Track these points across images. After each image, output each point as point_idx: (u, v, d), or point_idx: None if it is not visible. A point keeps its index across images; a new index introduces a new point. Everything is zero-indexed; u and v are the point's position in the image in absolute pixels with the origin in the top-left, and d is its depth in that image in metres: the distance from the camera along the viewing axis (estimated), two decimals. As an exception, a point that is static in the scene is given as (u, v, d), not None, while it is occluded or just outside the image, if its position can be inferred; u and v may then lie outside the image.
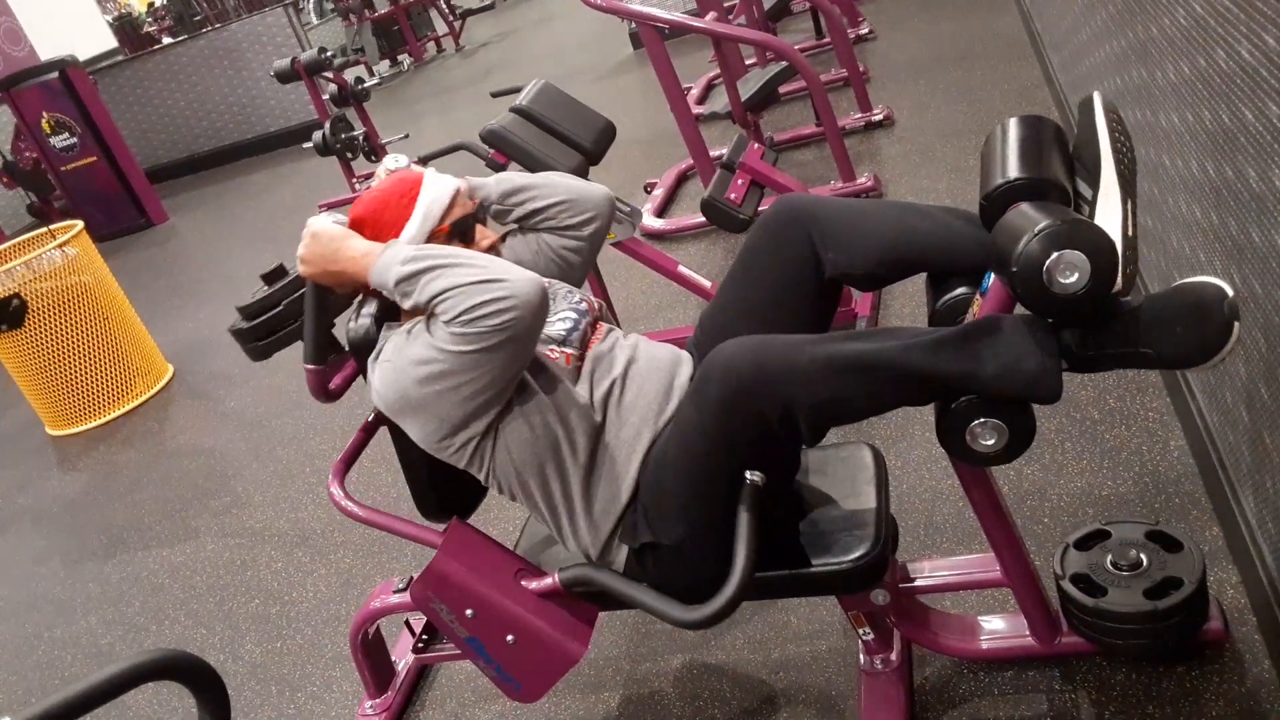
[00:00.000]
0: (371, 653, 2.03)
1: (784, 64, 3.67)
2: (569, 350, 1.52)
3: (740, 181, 2.73)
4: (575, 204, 1.67)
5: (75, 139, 7.11)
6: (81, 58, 7.46)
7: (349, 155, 5.98)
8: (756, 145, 2.83)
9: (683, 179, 4.44)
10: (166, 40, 9.04)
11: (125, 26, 9.92)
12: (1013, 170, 1.29)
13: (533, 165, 2.66)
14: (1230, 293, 1.18)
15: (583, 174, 2.75)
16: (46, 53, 7.80)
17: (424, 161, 5.29)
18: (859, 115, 4.27)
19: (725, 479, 1.36)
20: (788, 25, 6.19)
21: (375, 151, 6.13)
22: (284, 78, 5.98)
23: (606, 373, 1.52)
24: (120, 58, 8.94)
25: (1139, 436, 2.09)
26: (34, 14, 8.25)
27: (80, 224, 4.24)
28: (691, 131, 3.60)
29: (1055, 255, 1.16)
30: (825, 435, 1.34)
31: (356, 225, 1.53)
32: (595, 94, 6.30)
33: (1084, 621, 1.53)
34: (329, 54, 6.00)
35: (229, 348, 4.52)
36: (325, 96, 6.10)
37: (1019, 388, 1.26)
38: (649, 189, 4.40)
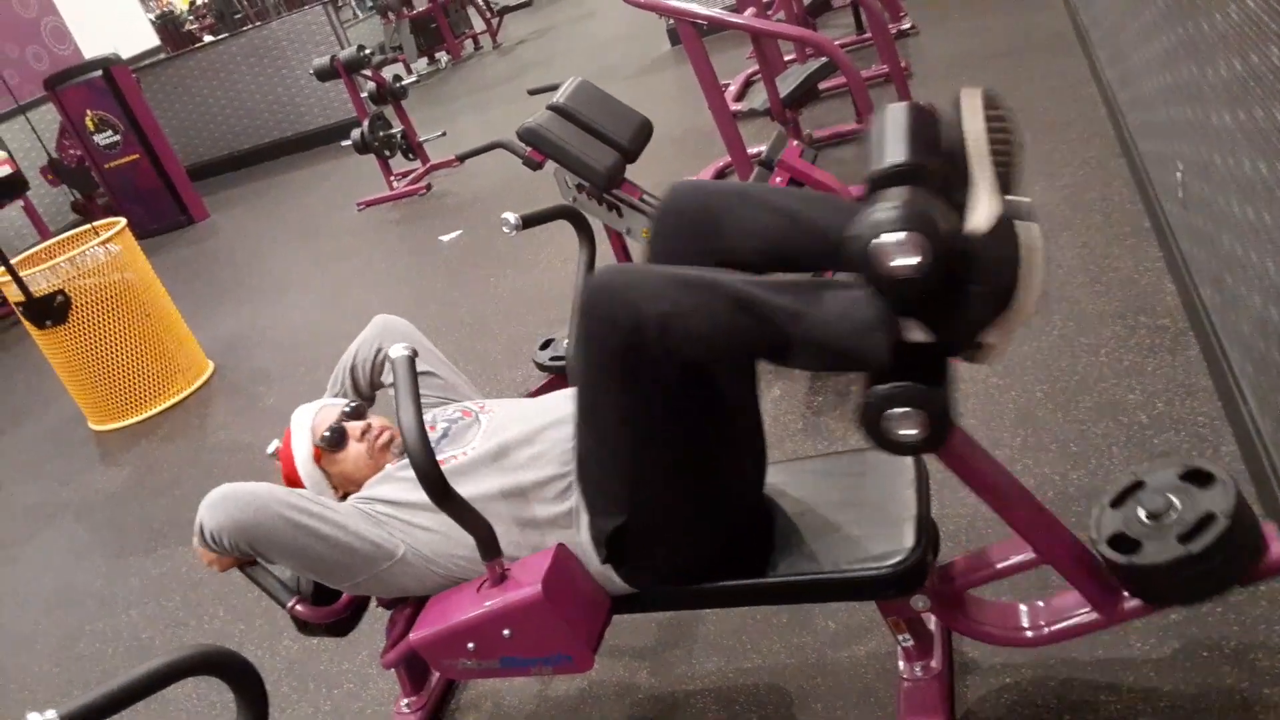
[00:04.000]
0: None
1: (824, 60, 3.63)
2: (456, 452, 1.67)
3: (779, 180, 2.70)
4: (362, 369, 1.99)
5: (118, 137, 7.20)
6: (124, 56, 7.56)
7: (387, 153, 6.01)
8: (795, 143, 2.79)
9: (720, 177, 4.41)
10: (208, 38, 9.15)
11: (167, 25, 10.05)
12: (891, 156, 1.23)
13: (569, 163, 2.64)
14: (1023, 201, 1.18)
15: (619, 172, 2.73)
16: (91, 51, 7.92)
17: (462, 159, 5.31)
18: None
19: (637, 415, 1.40)
20: (828, 20, 6.13)
21: (413, 149, 6.15)
22: (323, 75, 6.02)
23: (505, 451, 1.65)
24: (162, 56, 9.05)
25: (1189, 441, 2.03)
26: (79, 13, 8.38)
27: (123, 221, 4.28)
28: (729, 129, 3.57)
29: (892, 235, 1.14)
30: (677, 353, 1.32)
31: (290, 483, 1.84)
32: (632, 91, 6.27)
33: (1129, 582, 1.44)
34: (368, 52, 6.02)
35: (268, 345, 4.57)
36: (364, 94, 6.13)
37: (844, 334, 1.24)
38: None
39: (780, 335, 1.27)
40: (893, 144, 1.24)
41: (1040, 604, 1.59)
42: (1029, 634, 1.57)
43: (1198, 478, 1.46)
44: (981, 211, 1.21)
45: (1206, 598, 1.44)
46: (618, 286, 1.31)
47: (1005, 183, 1.24)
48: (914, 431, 1.24)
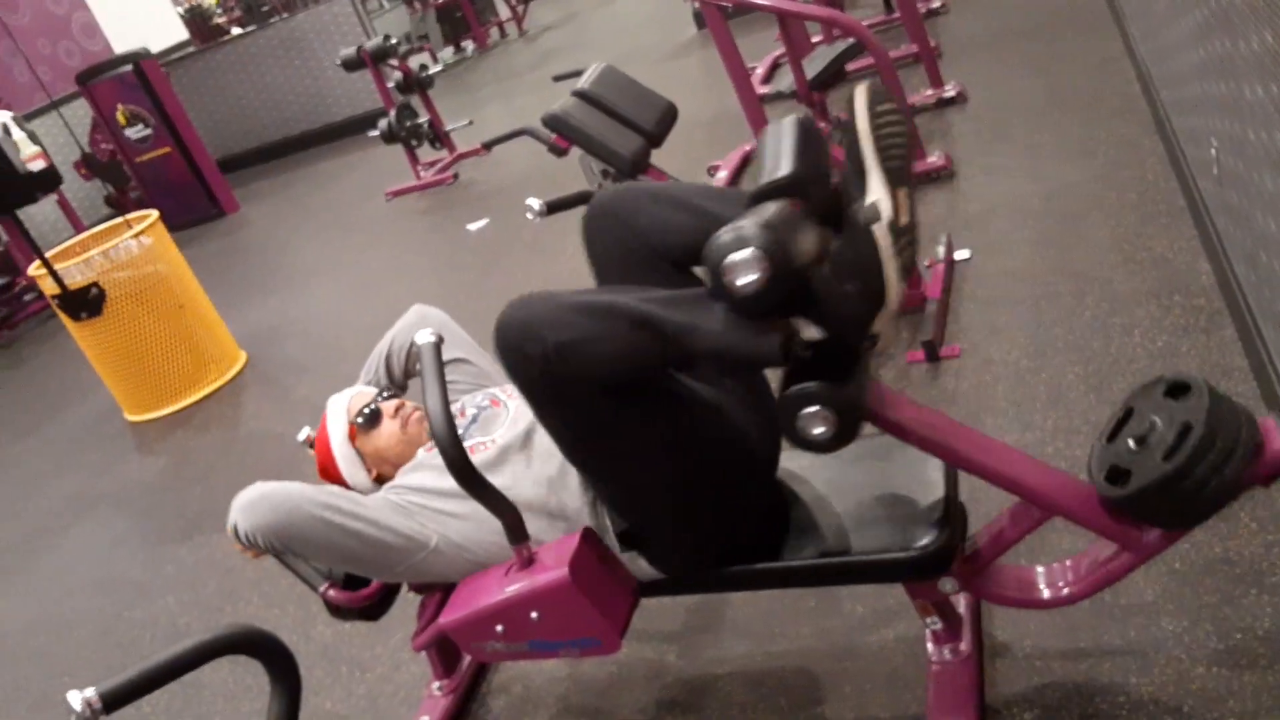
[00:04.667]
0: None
1: (851, 41, 3.59)
2: (485, 439, 1.71)
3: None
4: (393, 362, 2.01)
5: (149, 130, 7.27)
6: (154, 50, 7.62)
7: (414, 143, 6.02)
8: (823, 125, 2.77)
9: (747, 161, 4.38)
10: (235, 31, 9.19)
11: (196, 18, 10.10)
12: (771, 171, 1.30)
13: (593, 148, 2.64)
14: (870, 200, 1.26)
15: (644, 157, 2.72)
16: (120, 46, 7.99)
17: (488, 147, 5.33)
18: (930, 92, 4.17)
19: (588, 434, 1.43)
20: (856, 1, 6.07)
21: (440, 139, 6.16)
22: (350, 66, 6.03)
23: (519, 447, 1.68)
24: (191, 49, 9.12)
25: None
26: (108, 8, 8.45)
27: (155, 213, 4.33)
28: (755, 112, 3.54)
29: (737, 255, 1.19)
30: (588, 377, 1.36)
31: (324, 475, 1.92)
32: (658, 76, 6.24)
33: (1135, 515, 1.37)
34: (394, 42, 6.04)
35: (299, 335, 4.61)
36: (390, 84, 6.15)
37: (735, 343, 1.28)
38: (712, 171, 4.35)
39: (679, 349, 1.32)
40: (775, 158, 1.30)
41: (1069, 561, 1.54)
42: (1066, 590, 1.51)
43: (1178, 390, 1.37)
44: (882, 204, 1.30)
45: (1215, 508, 1.32)
46: (521, 319, 1.35)
47: (897, 176, 1.31)
48: (823, 429, 1.28)
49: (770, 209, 1.24)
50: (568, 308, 1.35)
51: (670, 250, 1.54)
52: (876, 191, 1.31)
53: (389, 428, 1.87)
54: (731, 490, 1.52)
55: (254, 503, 1.65)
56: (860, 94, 1.36)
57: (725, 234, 1.21)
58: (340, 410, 1.90)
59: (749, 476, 1.56)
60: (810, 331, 1.31)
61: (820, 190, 1.31)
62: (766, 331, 1.26)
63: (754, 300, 1.21)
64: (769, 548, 1.56)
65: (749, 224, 1.21)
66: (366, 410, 1.88)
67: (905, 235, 1.30)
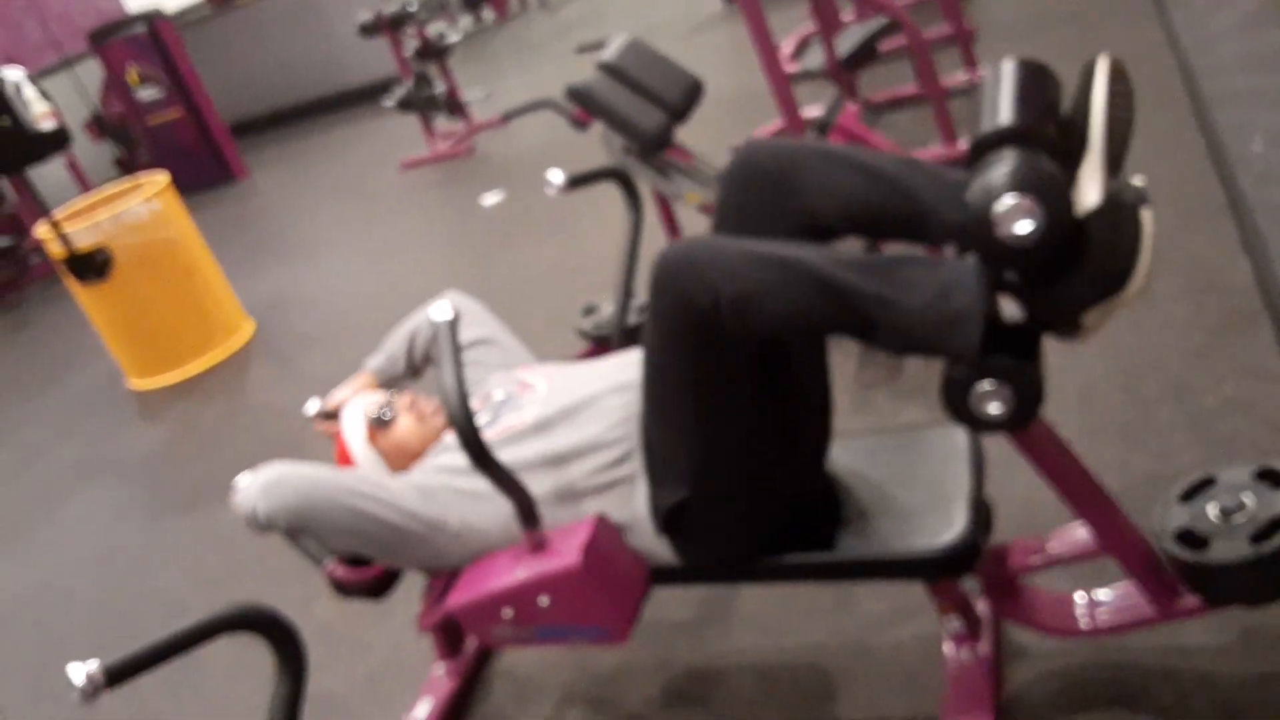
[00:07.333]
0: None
1: (885, 20, 3.50)
2: (513, 420, 1.66)
3: (838, 141, 2.60)
4: (415, 348, 1.98)
5: (161, 93, 7.19)
6: (168, 11, 7.54)
7: (430, 113, 5.94)
8: (853, 105, 2.69)
9: (770, 141, 4.30)
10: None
11: (212, -21, 9.99)
12: (1004, 117, 1.18)
13: (616, 123, 2.57)
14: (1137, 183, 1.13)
15: (667, 133, 2.64)
16: (134, 6, 7.91)
17: (507, 118, 5.26)
18: (964, 76, 4.08)
19: (708, 393, 1.35)
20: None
21: (456, 108, 6.07)
22: (367, 31, 5.95)
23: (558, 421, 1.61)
24: (206, 12, 9.03)
25: (1257, 428, 1.93)
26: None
27: (166, 176, 4.26)
28: (783, 90, 3.45)
29: (1009, 199, 1.07)
30: (755, 335, 1.29)
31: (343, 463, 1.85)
32: (681, 51, 6.13)
33: (1192, 579, 1.39)
34: (413, 8, 5.95)
35: (308, 306, 4.55)
36: (407, 53, 6.06)
37: (932, 325, 1.18)
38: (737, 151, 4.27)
39: (864, 322, 1.22)
40: (1005, 104, 1.18)
41: (1094, 595, 1.55)
42: (1081, 625, 1.53)
43: (1273, 478, 1.41)
44: (1092, 187, 1.16)
45: (1271, 600, 1.38)
46: (694, 261, 1.27)
47: (1115, 161, 1.19)
48: (1001, 409, 1.20)
49: (1019, 155, 1.12)
50: (749, 257, 1.25)
51: (832, 214, 1.41)
52: (1095, 169, 1.19)
53: (405, 423, 1.84)
54: (801, 482, 1.49)
55: (276, 485, 1.61)
56: (1102, 65, 1.25)
57: (990, 177, 1.09)
58: (354, 416, 1.87)
59: (817, 467, 1.53)
60: (1011, 313, 1.21)
61: (1046, 147, 1.17)
62: (970, 320, 1.17)
63: (1033, 251, 1.10)
64: (803, 541, 1.53)
65: (1011, 171, 1.09)
66: (382, 411, 1.85)
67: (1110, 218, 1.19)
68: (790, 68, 4.44)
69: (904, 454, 1.61)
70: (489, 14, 10.37)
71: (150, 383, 4.25)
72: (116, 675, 1.18)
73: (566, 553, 1.49)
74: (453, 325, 1.43)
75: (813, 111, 3.66)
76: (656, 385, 1.43)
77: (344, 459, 1.88)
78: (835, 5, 4.02)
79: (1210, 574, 1.35)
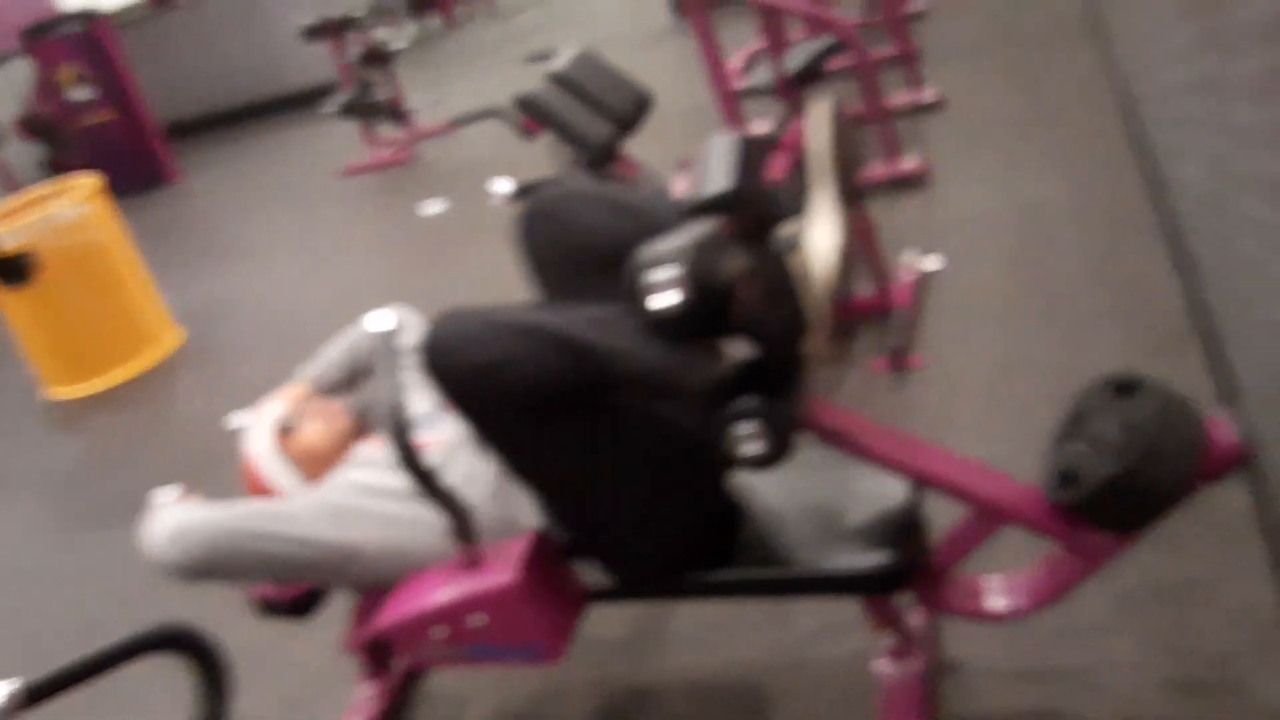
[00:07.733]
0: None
1: (833, 39, 3.52)
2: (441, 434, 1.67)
3: (781, 160, 2.58)
4: (357, 360, 1.97)
5: (94, 94, 7.01)
6: (107, 10, 7.37)
7: (372, 120, 5.86)
8: (800, 122, 2.68)
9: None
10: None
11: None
12: (710, 186, 1.26)
13: (564, 133, 2.54)
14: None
15: (614, 144, 2.62)
16: (71, 4, 7.71)
17: (455, 126, 5.18)
18: (909, 95, 4.12)
19: (518, 452, 1.41)
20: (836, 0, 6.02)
21: (399, 115, 6.00)
22: (311, 35, 5.86)
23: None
24: (146, 12, 8.84)
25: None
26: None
27: (96, 178, 4.14)
28: (731, 105, 3.46)
29: (657, 273, 1.15)
30: (514, 399, 1.34)
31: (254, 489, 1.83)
32: (631, 64, 6.13)
33: (1085, 519, 1.32)
34: (358, 14, 5.88)
35: (241, 315, 4.44)
36: (351, 59, 5.97)
37: (670, 368, 1.29)
38: (683, 164, 4.26)
39: (607, 373, 1.30)
40: (711, 173, 1.27)
41: (1025, 571, 1.49)
42: (1024, 601, 1.46)
43: (1127, 390, 1.32)
44: (820, 225, 1.28)
45: (1162, 511, 1.29)
46: (448, 337, 1.33)
47: (848, 196, 1.31)
48: (756, 446, 1.25)
49: (696, 227, 1.20)
50: (495, 326, 1.32)
51: (603, 249, 1.50)
52: (826, 210, 1.29)
53: (312, 426, 1.84)
54: (676, 501, 1.48)
55: (174, 539, 1.61)
56: (820, 112, 1.36)
57: (645, 252, 1.17)
58: (259, 426, 1.85)
59: (694, 487, 1.51)
60: (743, 351, 1.28)
61: (755, 209, 1.28)
62: (697, 356, 1.24)
63: (672, 323, 1.16)
64: (721, 557, 1.53)
65: (671, 242, 1.18)
66: (284, 416, 1.84)
67: (841, 259, 1.31)
68: (739, 83, 4.46)
69: (841, 467, 1.59)
70: (436, 21, 10.30)
71: (70, 391, 4.10)
72: (37, 694, 1.16)
73: (503, 570, 1.47)
74: (389, 336, 1.43)
75: (760, 127, 3.66)
76: (486, 449, 1.46)
77: (252, 480, 1.84)
78: (784, 23, 4.04)
79: (1089, 508, 1.28)
